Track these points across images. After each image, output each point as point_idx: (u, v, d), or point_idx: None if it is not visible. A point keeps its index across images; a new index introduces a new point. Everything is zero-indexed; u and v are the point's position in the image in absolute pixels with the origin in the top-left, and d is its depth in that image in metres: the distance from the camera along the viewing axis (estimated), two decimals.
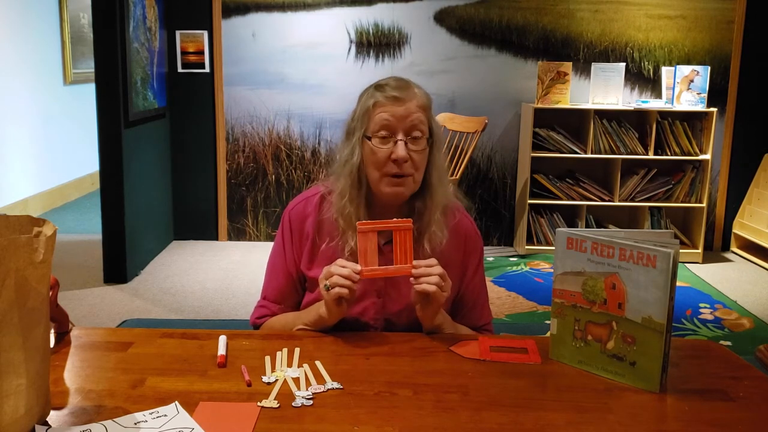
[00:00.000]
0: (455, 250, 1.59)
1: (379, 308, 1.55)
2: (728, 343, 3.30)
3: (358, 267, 1.39)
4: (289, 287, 1.61)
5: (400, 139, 1.46)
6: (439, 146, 1.55)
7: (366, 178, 1.52)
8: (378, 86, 1.52)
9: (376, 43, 4.77)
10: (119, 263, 4.05)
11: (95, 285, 4.02)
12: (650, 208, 4.70)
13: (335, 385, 1.23)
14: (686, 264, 4.59)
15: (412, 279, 1.41)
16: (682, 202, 4.67)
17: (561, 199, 4.67)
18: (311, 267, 1.58)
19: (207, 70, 4.76)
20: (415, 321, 1.50)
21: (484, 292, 1.66)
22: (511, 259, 4.66)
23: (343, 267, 1.39)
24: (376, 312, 1.55)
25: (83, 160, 6.42)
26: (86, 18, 6.45)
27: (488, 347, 1.41)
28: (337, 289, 1.38)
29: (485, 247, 4.88)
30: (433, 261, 1.42)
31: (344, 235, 1.53)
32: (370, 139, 1.49)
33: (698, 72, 4.50)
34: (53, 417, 1.11)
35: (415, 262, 1.41)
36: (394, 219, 1.43)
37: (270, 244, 1.69)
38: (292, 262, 1.60)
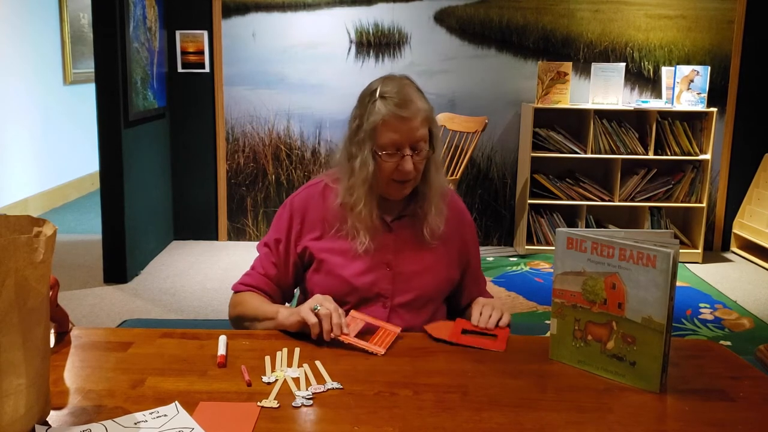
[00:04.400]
0: (454, 224, 1.70)
1: (390, 278, 1.62)
2: (728, 343, 3.30)
3: (345, 325, 1.44)
4: (278, 263, 1.67)
5: (407, 155, 1.55)
6: (438, 146, 1.64)
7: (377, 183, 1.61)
8: (382, 97, 1.55)
9: (376, 43, 4.77)
10: (119, 263, 4.05)
11: (95, 285, 4.02)
12: (650, 208, 4.70)
13: (335, 385, 1.23)
14: (686, 264, 4.59)
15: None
16: (682, 202, 4.67)
17: (561, 199, 4.67)
18: (317, 250, 1.64)
19: (207, 70, 4.76)
20: (422, 292, 1.62)
21: (479, 260, 1.83)
22: (511, 259, 4.66)
23: (339, 315, 1.43)
24: (387, 282, 1.62)
25: (83, 160, 6.42)
26: (86, 18, 6.44)
27: (460, 330, 1.47)
28: (314, 322, 1.41)
29: (485, 247, 4.89)
30: (494, 310, 1.56)
31: (358, 234, 1.60)
32: (380, 154, 1.56)
33: (698, 72, 4.50)
34: (53, 417, 1.11)
35: (474, 316, 1.54)
36: (387, 323, 1.50)
37: None
38: (288, 243, 1.66)
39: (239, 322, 1.63)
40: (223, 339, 1.40)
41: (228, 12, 4.72)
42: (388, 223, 1.64)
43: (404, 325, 1.54)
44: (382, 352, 1.39)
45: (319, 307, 1.43)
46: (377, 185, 1.61)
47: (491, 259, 4.65)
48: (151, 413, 1.13)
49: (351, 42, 4.77)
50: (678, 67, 4.54)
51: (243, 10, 4.73)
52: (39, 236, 1.03)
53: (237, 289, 1.68)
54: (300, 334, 1.48)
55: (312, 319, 1.41)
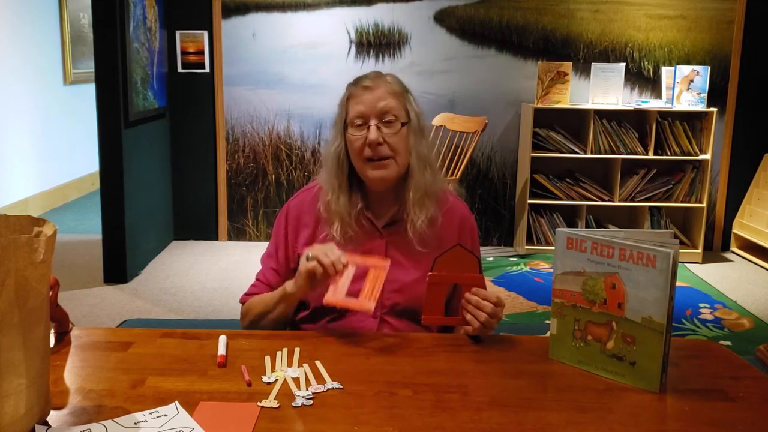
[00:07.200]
0: (450, 232, 1.64)
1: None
2: (728, 343, 3.30)
3: (344, 259, 1.43)
4: (279, 270, 1.67)
5: (372, 124, 1.54)
6: (418, 132, 1.60)
7: (349, 167, 1.60)
8: (355, 79, 1.62)
9: (376, 43, 4.77)
10: (119, 263, 4.05)
11: (95, 285, 4.02)
12: (650, 208, 4.70)
13: (335, 385, 1.23)
14: (686, 264, 4.59)
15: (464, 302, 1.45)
16: (682, 202, 4.67)
17: (561, 199, 4.67)
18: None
19: (207, 70, 4.76)
20: (414, 302, 1.55)
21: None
22: (511, 259, 4.66)
23: (332, 254, 1.43)
24: None
25: (83, 160, 6.42)
26: (86, 18, 6.44)
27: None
28: (313, 264, 1.42)
29: (485, 247, 4.89)
30: (491, 296, 1.44)
31: (332, 223, 1.59)
32: (349, 129, 1.57)
33: (698, 72, 4.50)
34: (53, 417, 1.11)
35: (473, 290, 1.45)
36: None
37: None
38: (286, 248, 1.66)
39: (254, 327, 1.62)
40: (223, 339, 1.40)
41: (228, 12, 4.72)
42: (379, 229, 1.61)
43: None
44: (372, 308, 1.42)
45: (310, 254, 1.43)
46: (354, 172, 1.59)
47: (491, 259, 4.64)
48: (151, 413, 1.12)
49: (351, 42, 4.77)
50: (678, 67, 4.54)
51: (243, 10, 4.73)
52: (39, 236, 1.03)
53: (242, 300, 1.68)
54: (299, 333, 1.48)
55: (311, 264, 1.42)
